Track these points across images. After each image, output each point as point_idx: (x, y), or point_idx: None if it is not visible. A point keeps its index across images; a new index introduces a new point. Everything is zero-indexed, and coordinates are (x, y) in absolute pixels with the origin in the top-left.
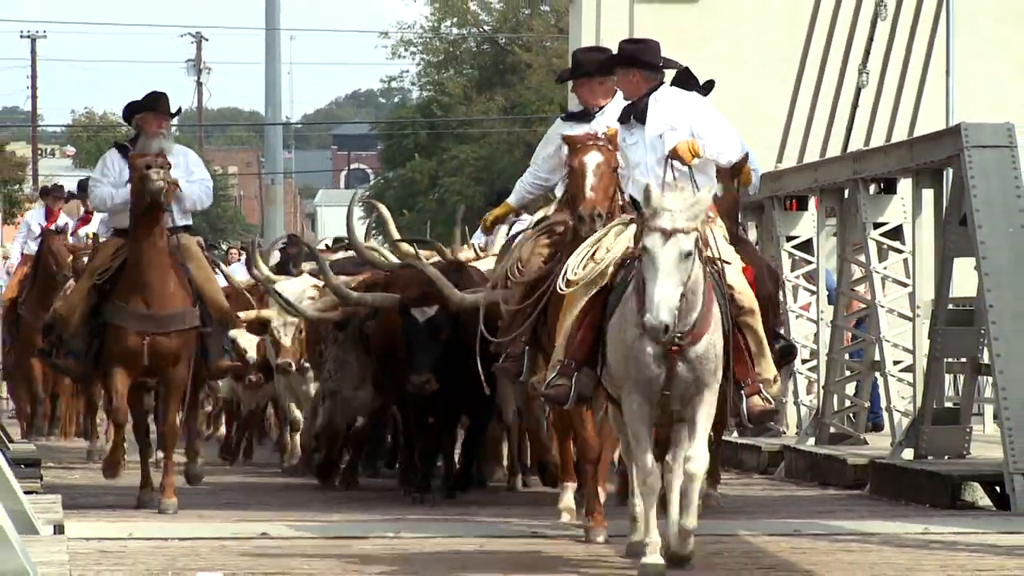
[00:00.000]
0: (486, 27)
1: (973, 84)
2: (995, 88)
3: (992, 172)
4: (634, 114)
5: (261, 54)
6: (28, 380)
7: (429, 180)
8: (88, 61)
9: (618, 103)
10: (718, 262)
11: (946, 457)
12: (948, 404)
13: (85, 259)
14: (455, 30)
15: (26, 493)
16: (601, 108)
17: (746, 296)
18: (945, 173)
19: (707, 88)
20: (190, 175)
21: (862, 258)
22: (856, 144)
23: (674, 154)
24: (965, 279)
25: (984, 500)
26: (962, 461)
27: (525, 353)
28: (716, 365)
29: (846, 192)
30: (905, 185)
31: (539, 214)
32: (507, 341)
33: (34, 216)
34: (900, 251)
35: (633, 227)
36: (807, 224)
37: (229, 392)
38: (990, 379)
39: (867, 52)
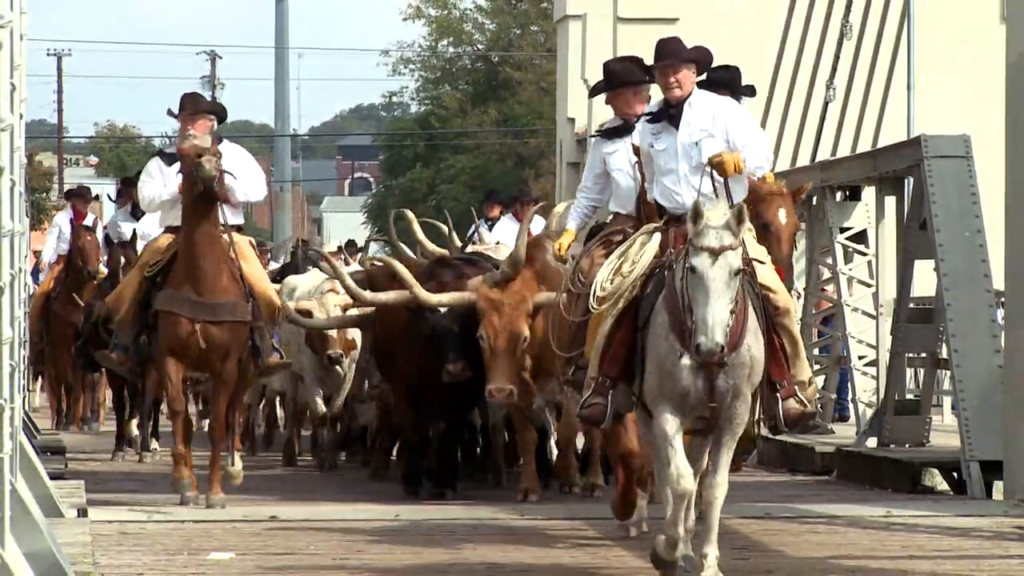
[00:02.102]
0: (480, 46)
1: (932, 99)
2: (952, 103)
3: (950, 180)
4: (666, 117)
5: (271, 71)
6: (60, 371)
7: (427, 188)
8: (110, 77)
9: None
10: (751, 262)
11: (907, 445)
12: (909, 396)
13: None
14: (451, 49)
15: (52, 479)
16: (639, 117)
17: (781, 296)
18: (906, 181)
19: (751, 91)
20: (237, 169)
21: (829, 260)
22: (824, 154)
23: (719, 166)
24: (925, 280)
25: (942, 485)
26: (922, 449)
27: None
28: (752, 371)
29: (815, 199)
30: (869, 192)
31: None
32: (576, 354)
33: (63, 218)
34: (864, 254)
35: (658, 236)
36: None
37: (283, 385)
38: (948, 373)
39: (834, 69)
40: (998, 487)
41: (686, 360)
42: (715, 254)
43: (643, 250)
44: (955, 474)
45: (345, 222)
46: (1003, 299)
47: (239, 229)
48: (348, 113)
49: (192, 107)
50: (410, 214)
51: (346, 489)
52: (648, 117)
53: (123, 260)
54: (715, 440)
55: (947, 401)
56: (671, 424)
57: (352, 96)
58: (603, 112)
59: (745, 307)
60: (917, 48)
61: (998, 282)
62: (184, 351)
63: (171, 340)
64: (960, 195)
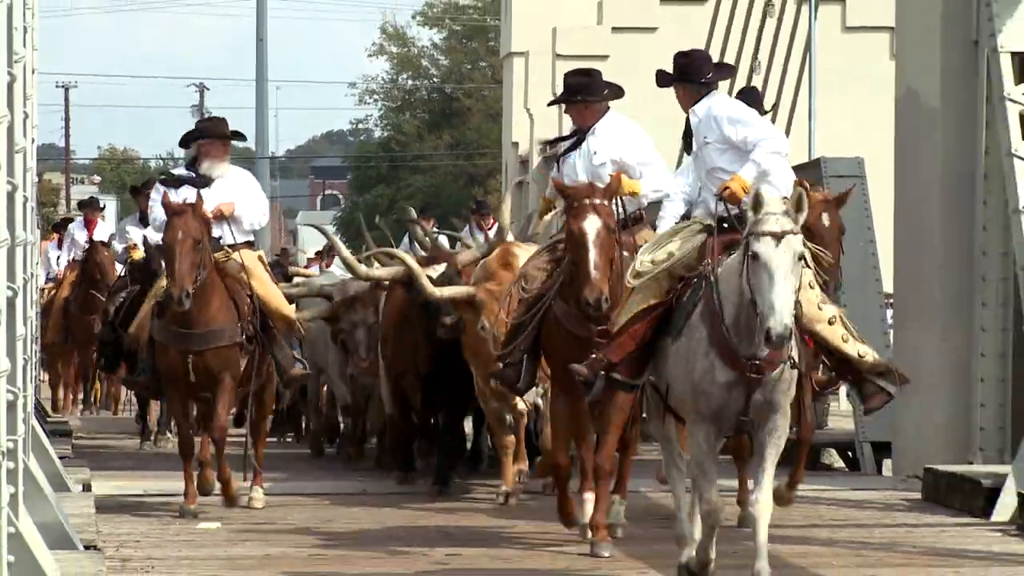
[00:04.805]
0: (435, 79)
1: (830, 126)
2: (848, 129)
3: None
4: (690, 138)
5: (252, 101)
6: (80, 363)
7: (389, 203)
8: (111, 106)
9: (608, 121)
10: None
11: None
12: None
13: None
14: (410, 81)
15: (60, 458)
16: (591, 127)
17: (805, 316)
18: None
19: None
20: (246, 197)
21: None
22: None
23: (730, 196)
24: None
25: (839, 463)
26: (821, 431)
27: (523, 362)
28: (790, 385)
29: None
30: None
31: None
32: (507, 352)
33: (76, 227)
34: None
35: (703, 236)
36: None
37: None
38: None
39: None
40: (887, 465)
41: (723, 377)
42: (778, 238)
43: (690, 240)
44: (850, 453)
45: (317, 233)
46: (891, 301)
47: (250, 245)
48: (320, 138)
49: (227, 135)
50: (413, 212)
51: (321, 468)
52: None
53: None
54: (758, 455)
55: (843, 389)
56: (705, 449)
57: (324, 123)
58: (544, 136)
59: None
60: (818, 81)
61: (887, 286)
62: (177, 380)
63: (165, 369)
64: (855, 210)
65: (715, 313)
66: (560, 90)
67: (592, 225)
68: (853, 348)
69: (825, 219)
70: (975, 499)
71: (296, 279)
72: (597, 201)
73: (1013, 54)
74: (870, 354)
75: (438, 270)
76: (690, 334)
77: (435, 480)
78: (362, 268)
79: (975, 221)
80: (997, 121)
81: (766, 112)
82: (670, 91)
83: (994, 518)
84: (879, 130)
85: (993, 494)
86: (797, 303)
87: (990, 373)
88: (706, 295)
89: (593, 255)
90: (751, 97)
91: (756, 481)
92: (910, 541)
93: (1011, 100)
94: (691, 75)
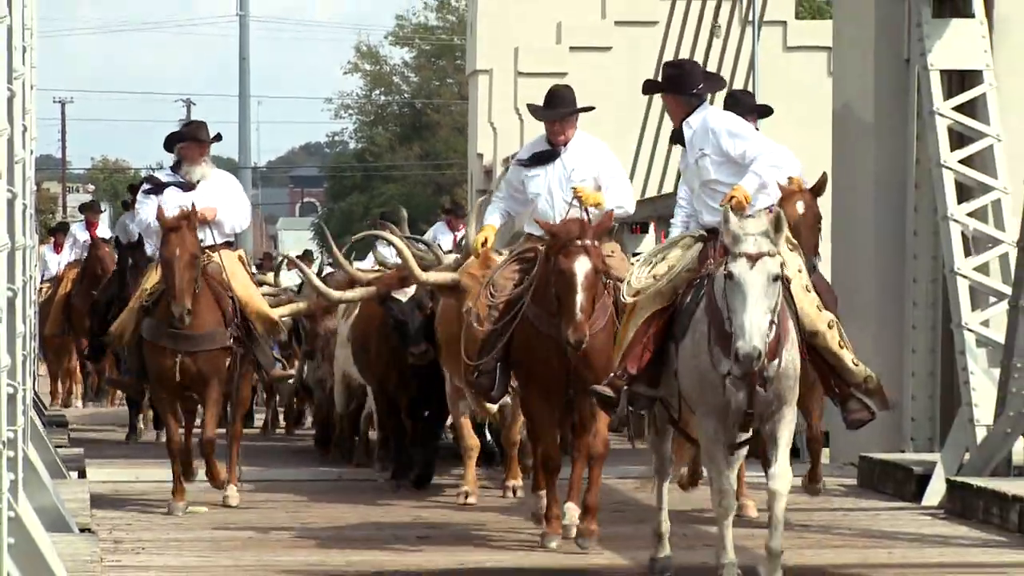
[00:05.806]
0: (406, 95)
1: (772, 139)
2: (788, 142)
3: None
4: (680, 140)
5: (235, 114)
6: (78, 356)
7: (363, 211)
8: (104, 120)
9: (582, 138)
10: (787, 280)
11: None
12: None
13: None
14: (383, 97)
15: (56, 447)
16: (565, 144)
17: (807, 317)
18: None
19: (763, 112)
20: (228, 200)
21: None
22: None
23: (737, 205)
24: None
25: None
26: None
27: (497, 369)
28: (795, 381)
29: None
30: None
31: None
32: (481, 362)
33: (78, 228)
34: None
35: (699, 246)
36: (648, 243)
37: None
38: None
39: None
40: (825, 453)
41: (725, 369)
42: (752, 259)
43: (685, 254)
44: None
45: (296, 238)
46: None
47: (229, 245)
48: (299, 149)
49: (207, 138)
50: (385, 226)
51: (300, 457)
52: (670, 138)
53: (130, 261)
54: (771, 441)
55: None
56: (715, 441)
57: (302, 135)
58: (507, 148)
59: (785, 320)
60: (760, 96)
61: None
62: (167, 379)
63: (154, 368)
64: None
65: (716, 310)
66: (522, 106)
67: (582, 267)
68: (848, 356)
69: (800, 207)
70: (907, 485)
71: (263, 287)
72: (587, 242)
73: (942, 72)
74: (862, 365)
75: (408, 293)
76: (694, 330)
77: (394, 473)
78: (334, 293)
79: (906, 227)
80: (927, 134)
81: (771, 112)
82: (626, 106)
83: (924, 503)
84: (818, 143)
85: (923, 480)
86: (792, 305)
87: (920, 368)
88: (708, 292)
89: (580, 298)
90: (745, 103)
91: (772, 460)
92: (846, 524)
93: (940, 115)
94: (682, 86)
